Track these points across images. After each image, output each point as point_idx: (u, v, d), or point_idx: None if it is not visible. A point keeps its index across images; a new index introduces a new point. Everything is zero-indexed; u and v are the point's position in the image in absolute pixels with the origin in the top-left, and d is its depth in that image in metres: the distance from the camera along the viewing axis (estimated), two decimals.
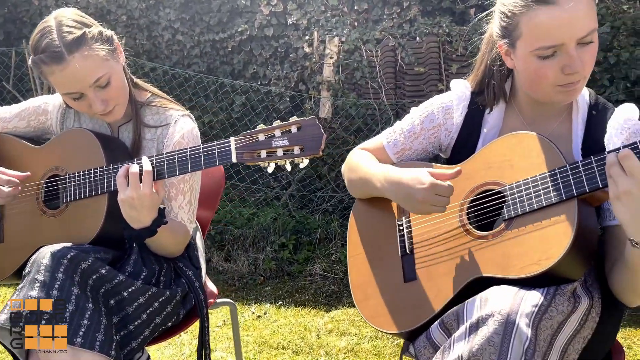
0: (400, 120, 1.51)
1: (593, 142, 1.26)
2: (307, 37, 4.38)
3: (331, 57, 4.22)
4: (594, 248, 1.16)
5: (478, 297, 1.12)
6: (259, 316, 2.97)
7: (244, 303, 3.14)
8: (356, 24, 4.40)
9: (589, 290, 1.21)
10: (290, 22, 4.46)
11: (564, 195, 1.13)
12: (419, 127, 1.44)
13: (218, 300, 1.90)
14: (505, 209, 1.21)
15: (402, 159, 1.48)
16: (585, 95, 1.33)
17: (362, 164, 1.46)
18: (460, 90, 1.42)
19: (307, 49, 4.38)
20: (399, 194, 1.30)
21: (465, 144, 1.39)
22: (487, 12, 1.36)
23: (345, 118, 4.17)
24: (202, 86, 4.50)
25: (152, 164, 1.39)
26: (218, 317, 2.97)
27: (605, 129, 1.26)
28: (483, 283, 1.17)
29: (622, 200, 1.02)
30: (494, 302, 1.07)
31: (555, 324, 1.08)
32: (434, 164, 1.40)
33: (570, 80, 1.20)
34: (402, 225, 1.39)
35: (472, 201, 1.29)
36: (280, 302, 3.14)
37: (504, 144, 1.27)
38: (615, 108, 1.29)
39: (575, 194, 1.11)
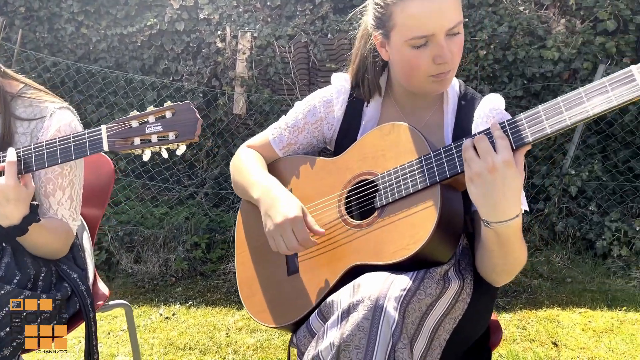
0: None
1: (462, 130, 1.32)
2: (219, 32, 4.31)
3: (244, 53, 4.18)
4: (460, 231, 1.21)
5: (351, 284, 1.13)
6: (167, 317, 2.88)
7: (153, 305, 3.05)
8: (269, 19, 4.38)
9: (461, 273, 1.25)
10: (202, 17, 4.38)
11: (428, 182, 1.17)
12: (302, 121, 1.45)
13: (111, 303, 1.82)
14: (377, 198, 1.24)
15: (289, 153, 1.48)
16: (455, 86, 1.38)
17: (246, 168, 1.44)
18: (340, 83, 1.44)
19: (219, 44, 4.31)
20: (266, 207, 1.29)
21: (346, 136, 1.41)
22: (363, 5, 1.38)
23: (260, 114, 4.15)
24: (109, 81, 4.31)
25: (18, 155, 1.31)
26: (123, 320, 2.86)
27: (473, 118, 1.32)
28: (362, 271, 1.19)
29: (474, 182, 1.06)
30: (365, 288, 1.09)
31: (424, 306, 1.11)
32: (317, 158, 1.41)
33: (441, 70, 1.24)
34: None
35: (350, 191, 1.31)
36: (191, 303, 3.07)
37: (377, 135, 1.30)
38: (482, 98, 1.35)
39: (438, 180, 1.15)
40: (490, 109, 1.31)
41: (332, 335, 1.08)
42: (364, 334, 1.05)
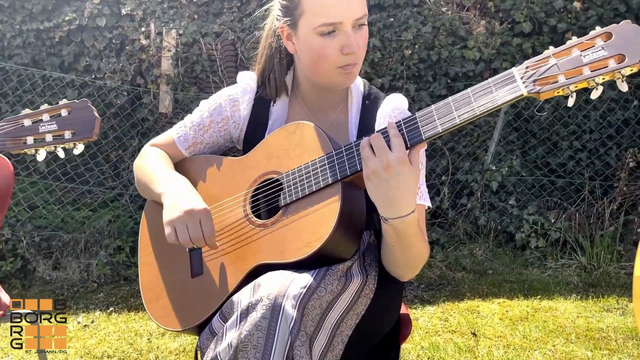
0: None
1: (367, 129, 1.33)
2: (143, 29, 4.18)
3: (169, 50, 4.08)
4: (362, 227, 1.22)
5: (252, 284, 1.12)
6: (85, 325, 2.76)
7: (71, 313, 2.91)
8: (195, 16, 4.29)
9: (365, 269, 1.27)
10: (125, 12, 4.23)
11: (330, 179, 1.17)
12: (208, 120, 1.42)
13: (13, 312, 1.72)
14: (281, 196, 1.23)
15: (195, 152, 1.45)
16: (359, 85, 1.40)
17: (151, 164, 1.39)
18: (246, 82, 1.43)
19: (143, 41, 4.18)
20: (172, 199, 1.24)
21: (254, 136, 1.39)
22: (267, 5, 1.37)
23: (186, 113, 4.03)
24: (24, 79, 4.08)
25: None
26: None
27: (376, 117, 1.33)
28: (267, 270, 1.18)
29: (371, 180, 1.08)
30: (264, 288, 1.08)
31: (324, 303, 1.11)
32: (224, 157, 1.38)
33: (348, 61, 1.25)
34: None
35: (255, 190, 1.29)
36: (112, 309, 2.95)
37: (282, 134, 1.29)
38: (386, 97, 1.37)
39: (339, 177, 1.16)
40: (393, 108, 1.33)
41: (231, 336, 1.06)
42: (262, 334, 1.04)
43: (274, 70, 1.37)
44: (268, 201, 1.29)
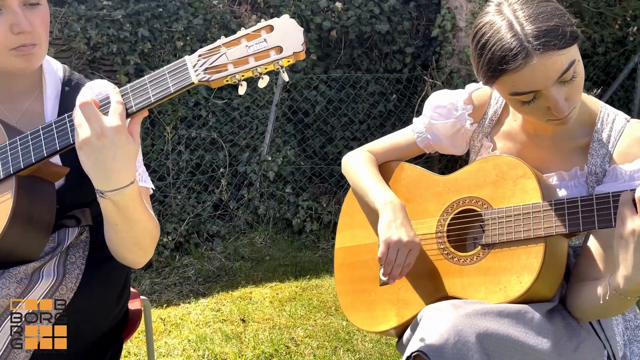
0: None
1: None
2: None
3: None
4: (49, 224, 1.14)
5: None
6: None
7: None
8: None
9: (65, 267, 1.19)
10: None
11: (1, 174, 1.07)
12: None
13: None
14: None
15: None
16: (58, 71, 1.30)
17: None
18: None
19: None
20: None
21: None
22: None
23: None
24: None
25: None
26: None
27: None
28: None
29: (83, 150, 1.00)
30: None
31: None
32: None
33: (22, 41, 1.14)
34: None
35: None
36: None
37: None
38: (88, 82, 1.30)
39: (12, 171, 1.07)
40: (97, 94, 1.27)
41: None
42: None
43: None
44: None
